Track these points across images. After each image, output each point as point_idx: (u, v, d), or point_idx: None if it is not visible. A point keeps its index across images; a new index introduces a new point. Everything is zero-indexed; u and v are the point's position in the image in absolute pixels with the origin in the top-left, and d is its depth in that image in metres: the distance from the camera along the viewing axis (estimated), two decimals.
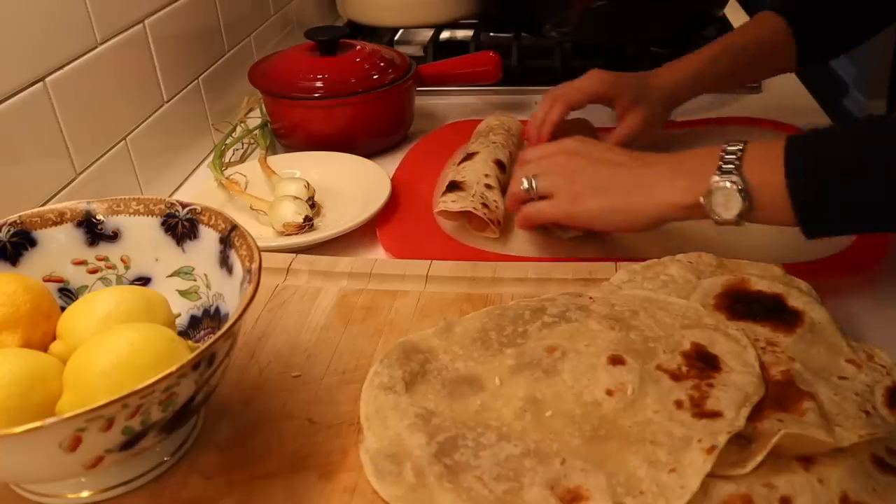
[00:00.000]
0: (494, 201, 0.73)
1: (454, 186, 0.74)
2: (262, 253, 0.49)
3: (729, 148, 0.56)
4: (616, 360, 0.48)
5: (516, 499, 0.41)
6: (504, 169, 0.79)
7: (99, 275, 0.55)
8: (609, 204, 0.61)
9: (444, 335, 0.54)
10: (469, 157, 0.80)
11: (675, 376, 0.47)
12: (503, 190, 0.76)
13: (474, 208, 0.71)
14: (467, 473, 0.43)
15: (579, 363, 0.48)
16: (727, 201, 0.55)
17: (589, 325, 0.52)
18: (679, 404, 0.45)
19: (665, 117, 0.85)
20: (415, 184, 0.82)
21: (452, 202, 0.72)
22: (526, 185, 0.66)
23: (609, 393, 0.46)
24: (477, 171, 0.77)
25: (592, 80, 0.81)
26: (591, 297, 0.56)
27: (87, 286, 0.55)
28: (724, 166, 0.55)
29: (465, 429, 0.46)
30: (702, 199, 0.56)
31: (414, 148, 0.92)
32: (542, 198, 0.65)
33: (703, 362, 0.47)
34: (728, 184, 0.54)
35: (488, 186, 0.75)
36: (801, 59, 0.81)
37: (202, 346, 0.41)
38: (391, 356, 0.52)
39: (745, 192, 0.54)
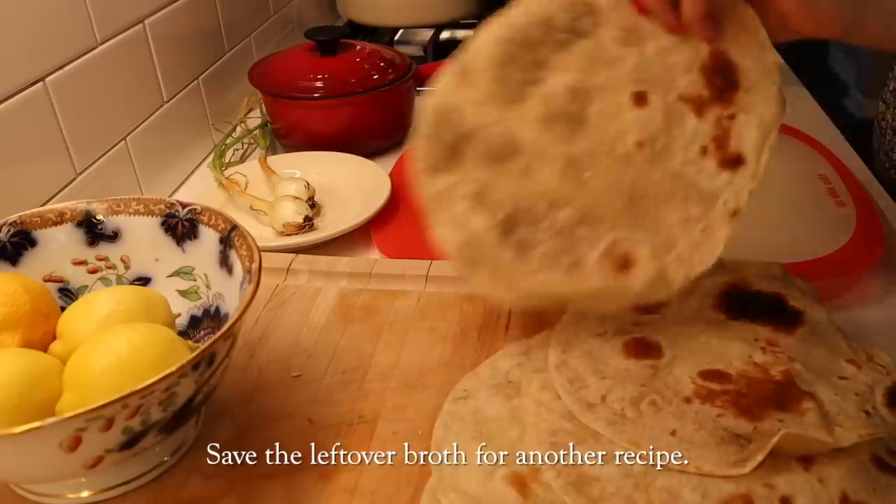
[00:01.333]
0: None
1: None
2: (262, 253, 0.49)
3: None
4: (640, 99, 0.48)
5: (580, 271, 0.46)
6: None
7: (99, 275, 0.55)
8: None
9: (462, 82, 0.52)
10: None
11: (698, 107, 0.48)
12: None
13: None
14: (535, 250, 0.46)
15: (604, 105, 0.49)
16: None
17: (603, 41, 0.49)
18: (704, 151, 0.47)
19: None
20: (410, 185, 0.82)
21: None
22: None
23: (640, 145, 0.48)
24: None
25: None
26: None
27: (87, 286, 0.55)
28: None
29: (518, 199, 0.48)
30: None
31: (409, 149, 0.92)
32: None
33: (724, 79, 0.48)
34: None
35: None
36: None
37: (202, 346, 0.41)
38: (428, 130, 0.52)
39: None
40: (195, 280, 0.55)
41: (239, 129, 0.95)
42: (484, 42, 0.50)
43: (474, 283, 0.49)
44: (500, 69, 0.50)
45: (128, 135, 0.78)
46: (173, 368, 0.39)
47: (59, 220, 0.54)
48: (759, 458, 0.41)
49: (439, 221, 0.50)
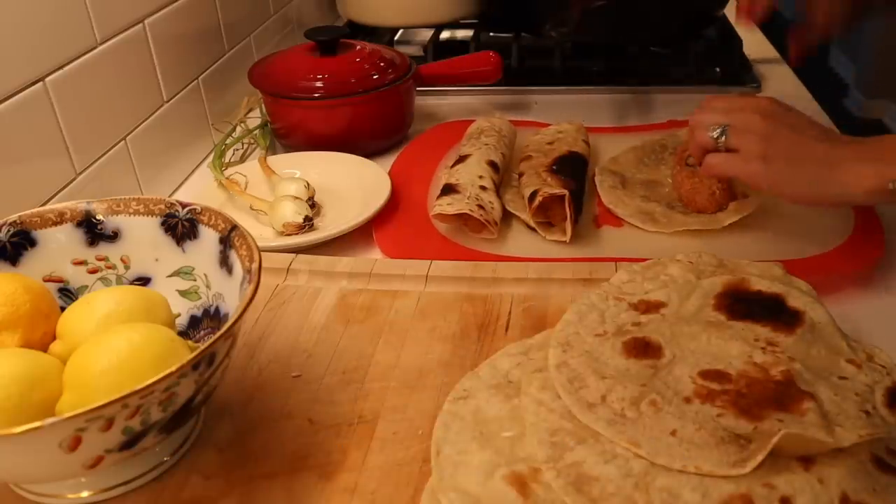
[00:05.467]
0: (490, 202, 0.73)
1: (449, 189, 0.74)
2: (262, 253, 0.49)
3: None
4: None
5: None
6: (497, 170, 0.79)
7: (99, 275, 0.55)
8: (796, 175, 0.62)
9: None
10: (462, 159, 0.80)
11: None
12: (498, 191, 0.76)
13: (470, 210, 0.71)
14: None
15: None
16: None
17: None
18: None
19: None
20: (409, 185, 0.82)
21: (448, 205, 0.72)
22: (717, 133, 0.65)
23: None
24: (471, 173, 0.77)
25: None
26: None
27: (87, 286, 0.55)
28: None
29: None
30: (891, 185, 0.57)
31: (406, 149, 0.92)
32: (726, 150, 0.65)
33: None
34: None
35: (483, 188, 0.75)
36: None
37: (202, 346, 0.41)
38: None
39: None
40: (195, 280, 0.55)
41: (239, 129, 0.95)
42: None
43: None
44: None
45: (128, 135, 0.78)
46: (173, 368, 0.39)
47: (59, 220, 0.54)
48: (759, 458, 0.40)
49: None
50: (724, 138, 0.65)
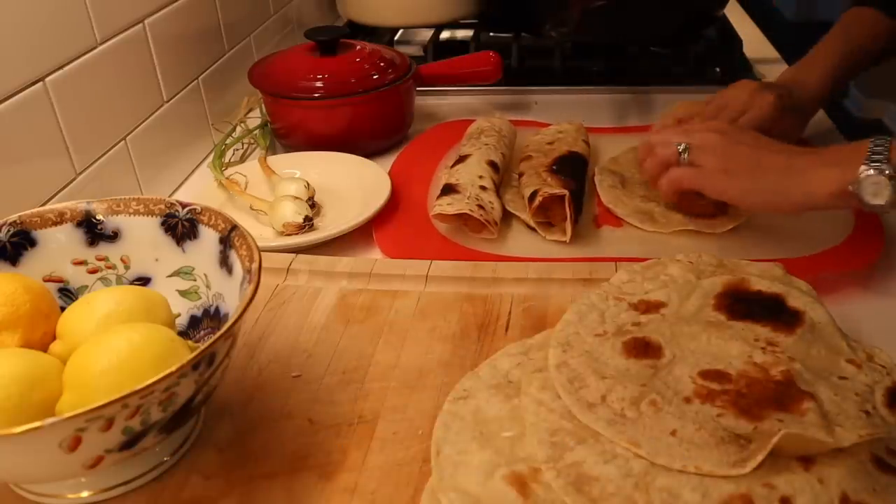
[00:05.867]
0: (490, 202, 0.73)
1: (449, 189, 0.74)
2: (262, 253, 0.49)
3: (876, 141, 0.59)
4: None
5: None
6: (497, 170, 0.79)
7: (99, 275, 0.55)
8: (758, 185, 0.64)
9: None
10: (462, 159, 0.80)
11: None
12: (498, 191, 0.76)
13: (470, 210, 0.71)
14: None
15: None
16: (877, 189, 0.57)
17: None
18: None
19: (801, 130, 0.84)
20: (409, 185, 0.82)
21: (448, 205, 0.72)
22: (682, 148, 0.68)
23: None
24: (471, 173, 0.77)
25: (762, 109, 0.77)
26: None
27: (87, 286, 0.55)
28: (872, 157, 0.58)
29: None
30: (851, 187, 0.58)
31: (406, 149, 0.92)
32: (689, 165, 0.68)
33: None
34: (876, 172, 0.57)
35: (483, 188, 0.75)
36: None
37: (202, 346, 0.41)
38: None
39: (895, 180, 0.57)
40: (195, 280, 0.55)
41: (239, 129, 0.95)
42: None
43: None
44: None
45: (128, 135, 0.78)
46: (173, 368, 0.39)
47: (59, 220, 0.54)
48: (759, 458, 0.40)
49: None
50: (686, 155, 0.68)
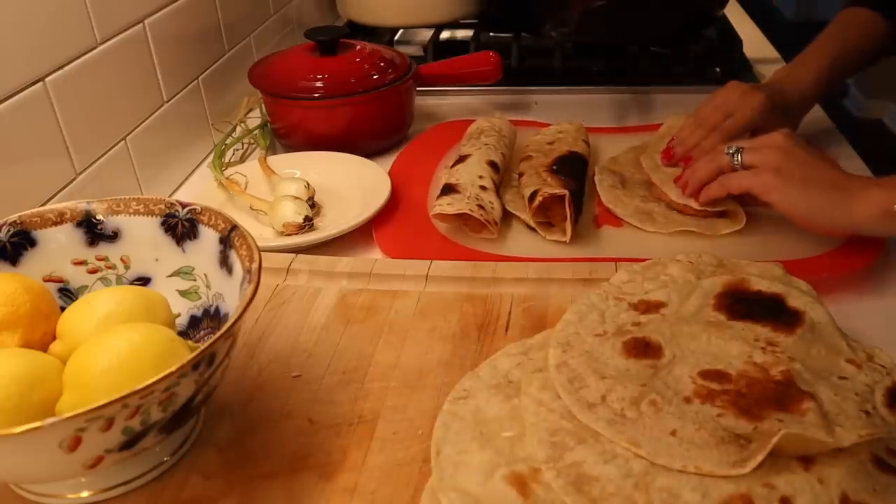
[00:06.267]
0: (490, 202, 0.73)
1: (449, 189, 0.74)
2: (262, 253, 0.49)
3: None
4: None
5: None
6: (497, 170, 0.79)
7: (99, 275, 0.55)
8: (808, 193, 0.64)
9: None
10: (462, 159, 0.80)
11: None
12: (498, 191, 0.76)
13: (470, 210, 0.71)
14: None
15: None
16: None
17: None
18: None
19: (794, 129, 0.84)
20: (409, 185, 0.82)
21: (448, 205, 0.72)
22: (733, 151, 0.68)
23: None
24: (471, 173, 0.77)
25: (753, 109, 0.78)
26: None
27: (87, 286, 0.55)
28: None
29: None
30: (895, 207, 0.59)
31: (406, 149, 0.92)
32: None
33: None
34: None
35: (483, 188, 0.75)
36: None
37: (202, 346, 0.41)
38: None
39: None
40: (195, 280, 0.55)
41: (239, 129, 0.95)
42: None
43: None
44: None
45: (128, 135, 0.78)
46: (173, 368, 0.39)
47: (59, 220, 0.54)
48: (759, 458, 0.40)
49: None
50: (740, 156, 0.68)
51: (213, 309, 0.53)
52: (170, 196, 0.85)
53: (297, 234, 0.73)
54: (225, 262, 0.52)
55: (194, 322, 0.54)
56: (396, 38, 1.28)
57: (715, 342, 0.50)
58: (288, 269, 0.67)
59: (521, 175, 0.79)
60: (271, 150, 0.93)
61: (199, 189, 0.84)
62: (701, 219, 0.73)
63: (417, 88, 0.96)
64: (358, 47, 0.94)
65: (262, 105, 0.95)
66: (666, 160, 0.80)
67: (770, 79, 0.84)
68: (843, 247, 0.68)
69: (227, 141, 0.90)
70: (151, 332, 0.46)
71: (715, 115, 0.79)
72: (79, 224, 0.54)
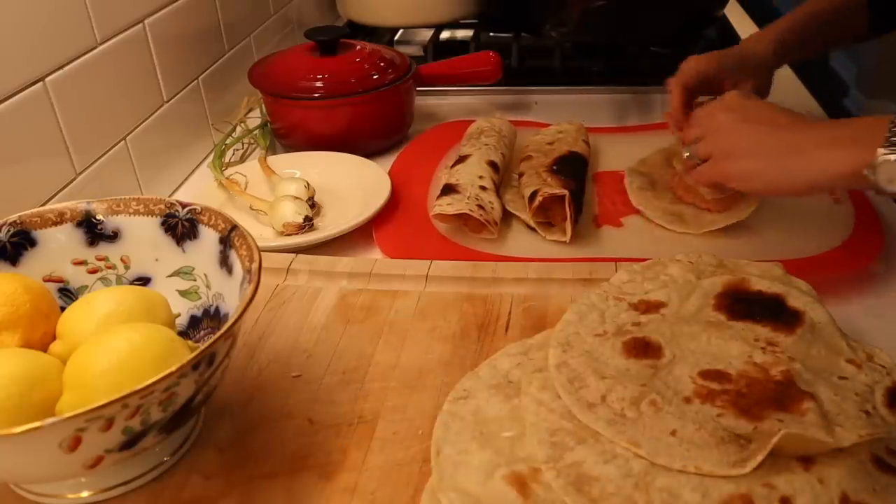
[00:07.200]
0: (490, 202, 0.73)
1: (449, 189, 0.74)
2: (262, 253, 0.49)
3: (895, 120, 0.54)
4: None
5: None
6: (497, 170, 0.79)
7: (99, 275, 0.55)
8: (762, 166, 0.61)
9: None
10: (462, 159, 0.80)
11: None
12: (498, 191, 0.76)
13: (470, 210, 0.71)
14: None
15: None
16: (894, 175, 0.53)
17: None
18: None
19: (768, 88, 0.83)
20: (409, 185, 0.82)
21: (448, 205, 0.72)
22: (687, 154, 0.69)
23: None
24: (471, 173, 0.77)
25: (699, 60, 0.78)
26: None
27: (87, 286, 0.55)
28: (892, 138, 0.53)
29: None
30: (866, 171, 0.54)
31: (406, 149, 0.92)
32: (704, 161, 0.67)
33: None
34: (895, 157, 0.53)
35: (483, 188, 0.75)
36: (874, 27, 0.81)
37: (202, 346, 0.41)
38: None
39: None
40: (195, 280, 0.55)
41: (239, 129, 0.95)
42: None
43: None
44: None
45: (128, 135, 0.78)
46: (173, 368, 0.39)
47: (59, 220, 0.54)
48: (759, 458, 0.40)
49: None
50: (696, 154, 0.67)
51: (213, 309, 0.53)
52: (170, 196, 0.85)
53: (297, 234, 0.73)
54: (225, 262, 0.52)
55: (194, 322, 0.54)
56: (396, 38, 1.28)
57: (715, 342, 0.50)
58: (288, 269, 0.67)
59: (521, 175, 0.79)
60: (271, 150, 0.93)
61: (199, 189, 0.84)
62: (724, 213, 0.73)
63: (417, 88, 0.96)
64: (358, 47, 0.94)
65: (262, 105, 0.95)
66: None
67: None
68: (843, 247, 0.68)
69: (227, 141, 0.90)
70: (151, 332, 0.46)
71: (682, 72, 0.79)
72: (79, 224, 0.54)
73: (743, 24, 1.30)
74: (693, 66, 0.79)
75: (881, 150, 0.53)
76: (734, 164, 0.64)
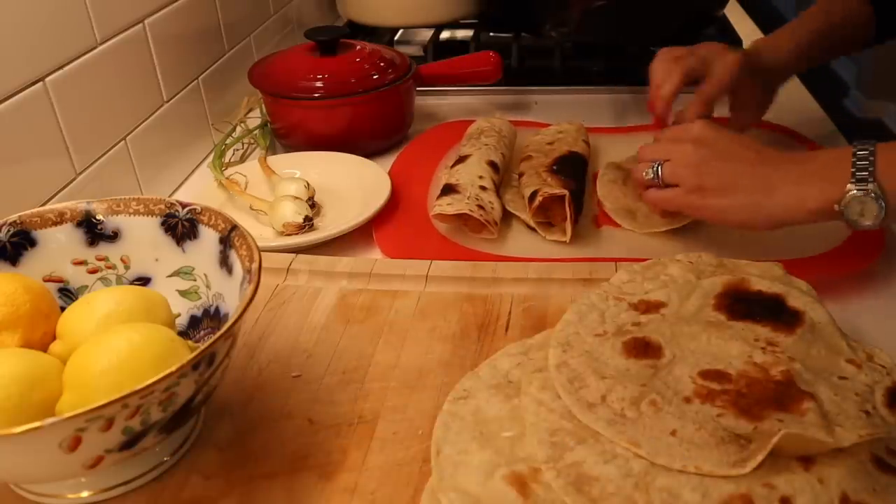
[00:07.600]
0: (490, 202, 0.73)
1: (449, 189, 0.74)
2: (262, 253, 0.49)
3: (859, 152, 0.56)
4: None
5: None
6: (497, 170, 0.79)
7: (99, 275, 0.55)
8: (733, 203, 0.62)
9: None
10: (462, 159, 0.80)
11: None
12: (498, 191, 0.76)
13: (470, 210, 0.71)
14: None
15: None
16: (864, 209, 0.55)
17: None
18: None
19: (772, 96, 0.83)
20: (409, 185, 0.82)
21: (448, 205, 0.72)
22: (651, 174, 0.67)
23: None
24: (471, 174, 0.77)
25: (726, 68, 0.76)
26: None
27: (87, 286, 0.55)
28: (857, 173, 0.55)
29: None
30: (837, 207, 0.57)
31: (406, 149, 0.92)
32: (667, 185, 0.67)
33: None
34: (863, 193, 0.55)
35: (483, 188, 0.75)
36: (880, 34, 0.82)
37: (202, 346, 0.41)
38: None
39: (882, 199, 0.55)
40: (195, 280, 0.55)
41: (239, 129, 0.95)
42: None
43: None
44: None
45: (128, 135, 0.78)
46: (173, 368, 0.39)
47: (59, 220, 0.54)
48: (759, 458, 0.40)
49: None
50: (660, 175, 0.67)
51: (213, 309, 0.53)
52: (170, 196, 0.85)
53: (297, 234, 0.73)
54: (225, 262, 0.52)
55: (194, 322, 0.54)
56: (396, 38, 1.28)
57: (715, 342, 0.50)
58: (288, 269, 0.67)
59: (521, 175, 0.79)
60: (271, 150, 0.93)
61: (199, 189, 0.84)
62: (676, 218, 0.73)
63: (417, 88, 0.96)
64: (358, 47, 0.94)
65: (262, 105, 0.95)
66: (650, 111, 0.80)
67: (749, 46, 0.84)
68: (843, 247, 0.68)
69: (227, 141, 0.90)
70: (151, 332, 0.46)
71: (689, 59, 0.78)
72: (79, 224, 0.54)
73: (743, 24, 1.30)
74: (703, 50, 0.77)
75: (849, 186, 0.55)
76: (705, 201, 0.64)
